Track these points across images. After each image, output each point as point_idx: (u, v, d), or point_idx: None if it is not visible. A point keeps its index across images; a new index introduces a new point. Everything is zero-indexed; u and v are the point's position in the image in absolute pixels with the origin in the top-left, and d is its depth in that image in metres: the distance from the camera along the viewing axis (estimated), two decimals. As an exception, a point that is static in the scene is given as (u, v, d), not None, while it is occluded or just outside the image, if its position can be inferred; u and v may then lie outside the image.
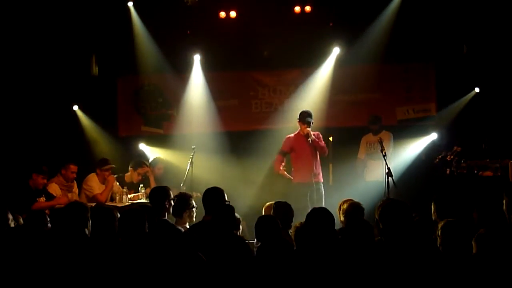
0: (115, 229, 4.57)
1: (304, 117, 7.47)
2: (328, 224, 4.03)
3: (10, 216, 4.80)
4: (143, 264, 3.82)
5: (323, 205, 7.38)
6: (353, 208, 5.26)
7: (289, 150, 7.69)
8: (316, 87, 9.16)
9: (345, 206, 5.42)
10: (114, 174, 7.79)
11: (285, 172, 7.72)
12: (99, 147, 9.11)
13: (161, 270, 3.34)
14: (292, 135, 7.71)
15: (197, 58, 9.26)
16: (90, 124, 9.25)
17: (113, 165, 7.80)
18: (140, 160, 8.30)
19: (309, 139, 7.42)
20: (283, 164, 7.76)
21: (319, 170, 7.65)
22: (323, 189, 7.65)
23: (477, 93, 8.97)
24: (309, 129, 7.45)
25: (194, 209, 5.55)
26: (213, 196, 5.23)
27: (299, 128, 7.57)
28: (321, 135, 7.71)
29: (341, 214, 5.43)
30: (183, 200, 5.44)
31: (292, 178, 7.64)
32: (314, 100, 9.16)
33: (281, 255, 4.11)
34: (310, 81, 9.17)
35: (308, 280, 3.66)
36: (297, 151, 7.61)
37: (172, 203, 5.34)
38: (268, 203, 5.76)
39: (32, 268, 3.93)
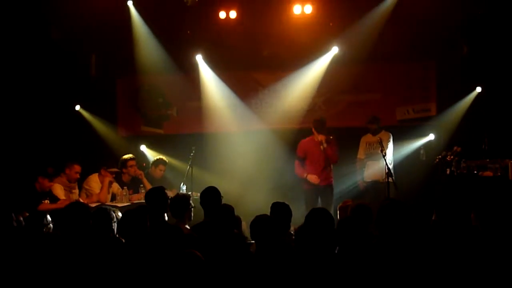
0: (114, 230, 4.57)
1: (320, 127, 7.82)
2: (327, 224, 4.03)
3: (14, 217, 4.81)
4: (145, 264, 3.82)
5: (333, 207, 7.55)
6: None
7: (303, 155, 7.93)
8: (316, 87, 9.16)
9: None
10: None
11: (310, 175, 7.83)
12: (101, 146, 9.09)
13: (163, 270, 3.35)
14: (306, 139, 7.96)
15: (199, 58, 9.25)
16: (95, 122, 9.25)
17: (117, 170, 7.80)
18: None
19: (322, 146, 7.73)
20: (303, 168, 7.92)
21: (330, 172, 7.96)
22: (333, 190, 7.91)
23: (477, 93, 8.96)
24: (324, 137, 7.76)
25: (192, 208, 5.57)
26: (210, 196, 5.29)
27: (314, 134, 7.87)
28: (334, 140, 7.95)
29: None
30: (183, 201, 5.44)
31: (313, 180, 7.80)
32: (314, 100, 9.17)
33: (278, 255, 4.10)
34: (310, 81, 9.17)
35: (306, 280, 3.66)
36: (310, 156, 7.86)
37: (169, 203, 5.38)
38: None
39: (33, 268, 3.93)
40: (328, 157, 7.81)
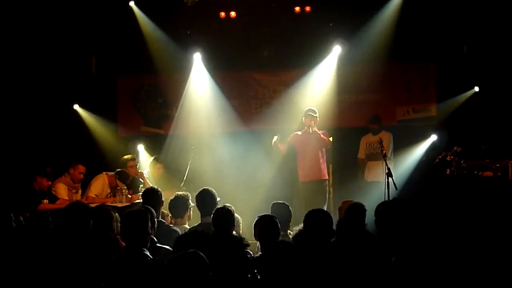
0: (115, 229, 4.57)
1: (306, 111, 7.70)
2: (325, 226, 4.03)
3: (13, 217, 4.80)
4: (145, 264, 3.82)
5: (327, 201, 7.65)
6: (353, 209, 5.22)
7: (293, 141, 7.86)
8: (316, 87, 9.16)
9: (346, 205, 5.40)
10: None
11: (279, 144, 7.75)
12: (101, 146, 9.08)
13: (162, 270, 3.35)
14: (300, 132, 7.89)
15: (197, 57, 9.24)
16: (93, 121, 9.24)
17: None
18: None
19: (310, 129, 7.60)
20: (281, 145, 7.84)
21: (323, 166, 7.80)
22: (327, 186, 7.78)
23: (477, 92, 8.96)
24: (312, 122, 7.63)
25: (191, 208, 5.59)
26: (205, 198, 5.28)
27: (304, 124, 7.76)
28: (327, 133, 7.90)
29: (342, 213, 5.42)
30: (183, 201, 5.47)
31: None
32: (314, 100, 9.16)
33: (282, 255, 4.10)
34: (310, 81, 9.17)
35: (305, 280, 3.66)
36: (302, 147, 7.76)
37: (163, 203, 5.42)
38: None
39: (33, 268, 3.93)
40: (319, 139, 7.65)
